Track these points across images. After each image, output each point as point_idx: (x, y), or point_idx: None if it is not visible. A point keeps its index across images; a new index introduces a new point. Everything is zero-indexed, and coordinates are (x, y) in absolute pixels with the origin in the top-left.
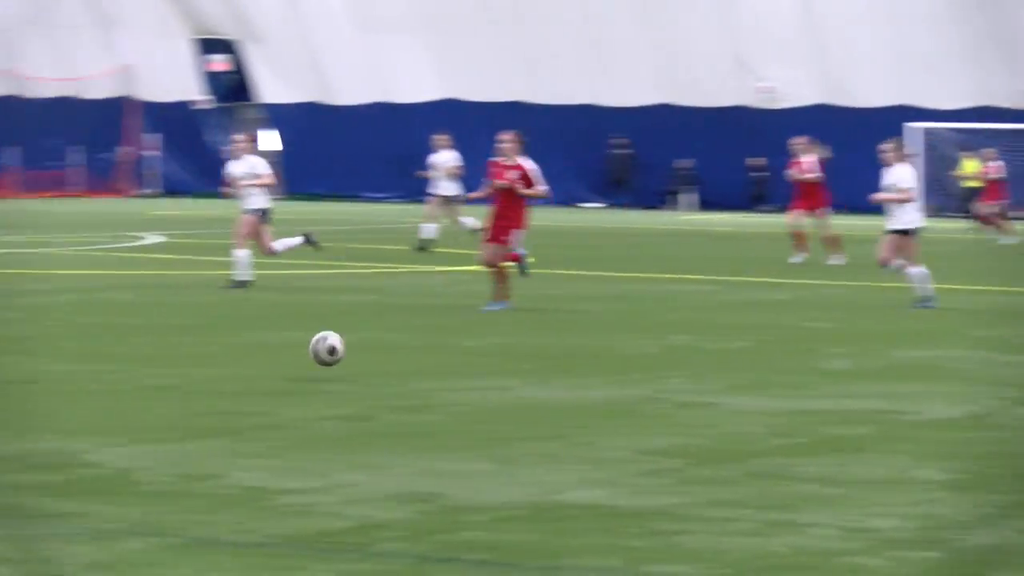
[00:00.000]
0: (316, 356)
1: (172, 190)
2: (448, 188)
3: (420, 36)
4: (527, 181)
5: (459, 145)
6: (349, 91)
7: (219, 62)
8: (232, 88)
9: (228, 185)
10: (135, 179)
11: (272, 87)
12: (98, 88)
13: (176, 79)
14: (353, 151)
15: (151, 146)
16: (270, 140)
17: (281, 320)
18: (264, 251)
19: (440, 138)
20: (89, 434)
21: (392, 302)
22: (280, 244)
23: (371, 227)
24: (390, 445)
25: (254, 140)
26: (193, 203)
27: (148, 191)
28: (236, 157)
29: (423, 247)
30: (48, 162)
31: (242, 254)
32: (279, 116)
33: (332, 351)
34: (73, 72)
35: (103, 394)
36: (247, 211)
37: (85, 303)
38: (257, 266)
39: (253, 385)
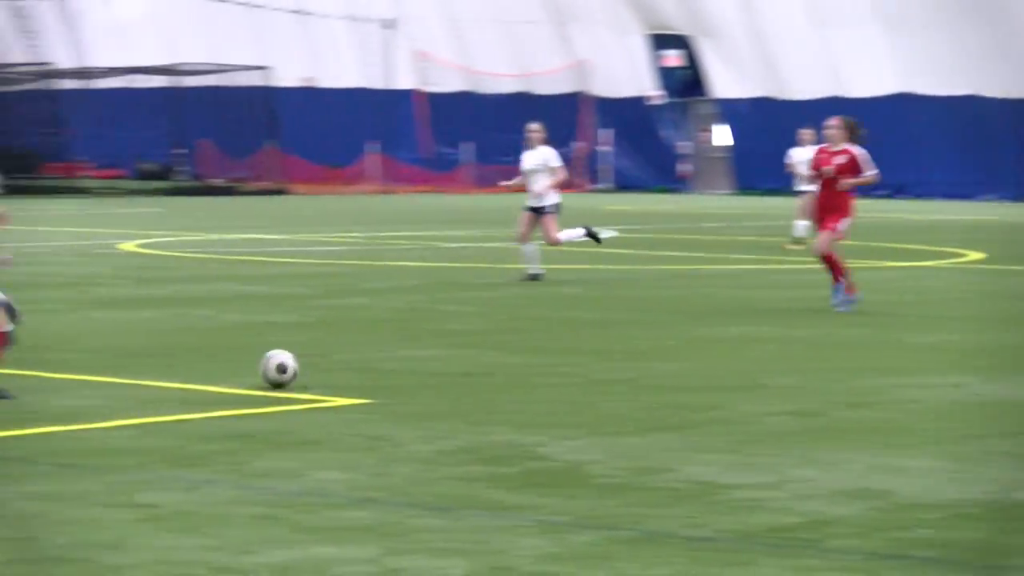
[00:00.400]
0: (266, 376)
1: (624, 185)
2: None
3: (875, 29)
4: (855, 168)
5: (910, 138)
6: (802, 85)
7: (673, 58)
8: (685, 84)
9: (518, 176)
10: (589, 174)
11: (725, 82)
12: (553, 84)
13: (630, 75)
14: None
15: (604, 141)
16: (722, 135)
17: (730, 315)
18: (550, 242)
19: (805, 133)
20: (543, 427)
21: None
22: (564, 235)
23: None
24: (841, 441)
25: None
26: (646, 198)
27: (601, 186)
28: (530, 147)
29: (795, 242)
30: (502, 157)
31: (529, 248)
32: (731, 111)
33: (282, 368)
34: (528, 68)
35: (556, 387)
36: (531, 207)
37: (535, 297)
38: (700, 260)
39: (705, 379)
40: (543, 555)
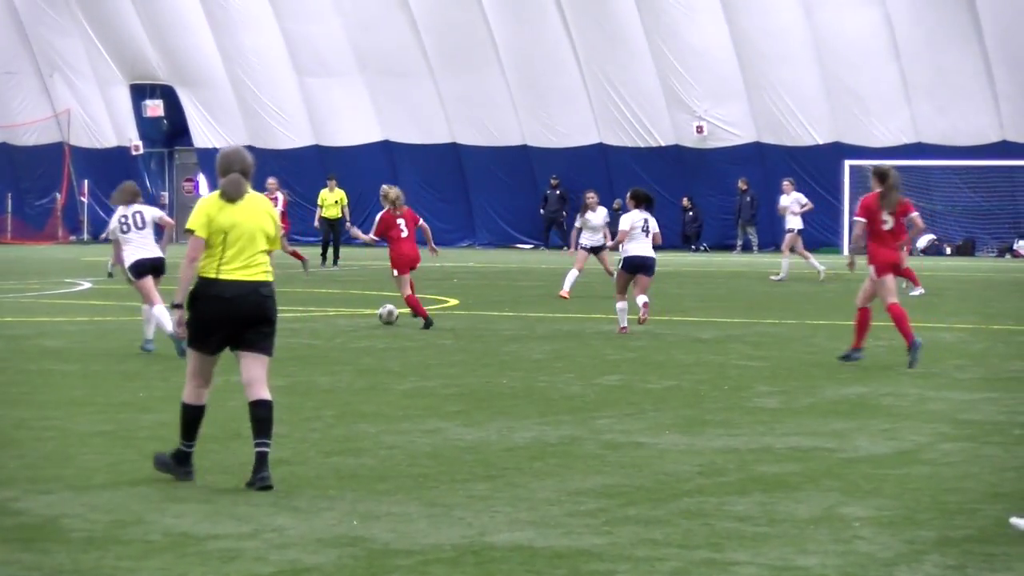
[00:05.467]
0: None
1: (100, 236)
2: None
3: (357, 79)
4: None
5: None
6: (285, 134)
7: (155, 107)
8: (168, 133)
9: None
10: (68, 225)
11: (207, 131)
12: (36, 135)
13: (113, 125)
14: (294, 193)
15: (84, 192)
16: (205, 185)
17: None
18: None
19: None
20: (19, 481)
21: (336, 345)
22: None
23: (298, 270)
24: (319, 488)
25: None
26: None
27: (81, 237)
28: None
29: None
30: None
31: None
32: (212, 160)
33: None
34: (10, 119)
35: (35, 441)
36: None
37: (15, 351)
38: None
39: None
40: None
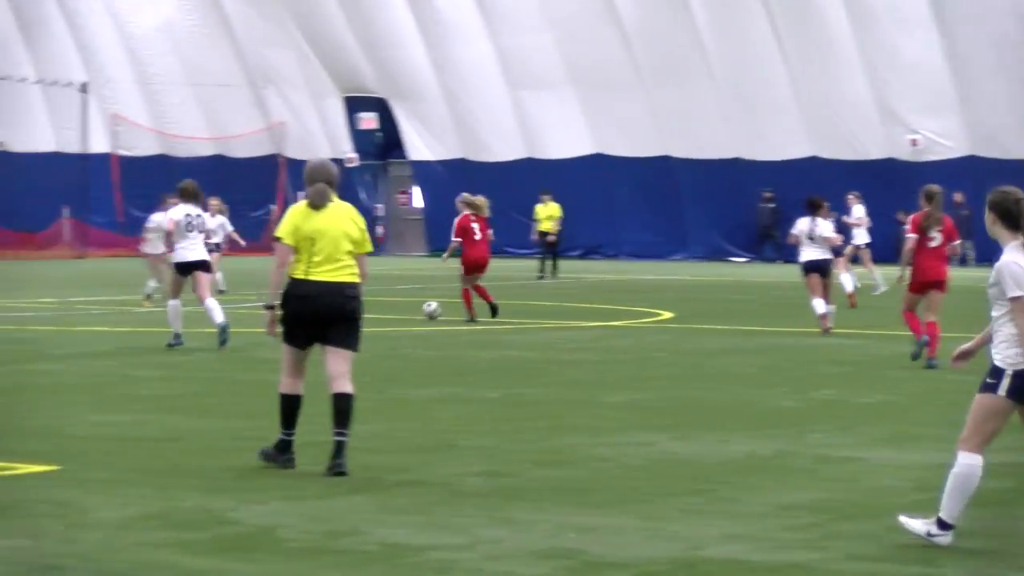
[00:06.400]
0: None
1: None
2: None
3: (569, 91)
4: None
5: (604, 200)
6: (497, 147)
7: (369, 120)
8: (382, 146)
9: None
10: None
11: (420, 144)
12: (249, 147)
13: (327, 137)
14: (493, 207)
15: None
16: (418, 197)
17: (423, 376)
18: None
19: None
20: (233, 491)
21: (549, 357)
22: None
23: (516, 283)
24: (533, 501)
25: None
26: None
27: None
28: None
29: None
30: None
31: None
32: (426, 173)
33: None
34: (224, 131)
35: (247, 451)
36: None
37: (227, 360)
38: (394, 322)
39: (397, 441)
40: None
